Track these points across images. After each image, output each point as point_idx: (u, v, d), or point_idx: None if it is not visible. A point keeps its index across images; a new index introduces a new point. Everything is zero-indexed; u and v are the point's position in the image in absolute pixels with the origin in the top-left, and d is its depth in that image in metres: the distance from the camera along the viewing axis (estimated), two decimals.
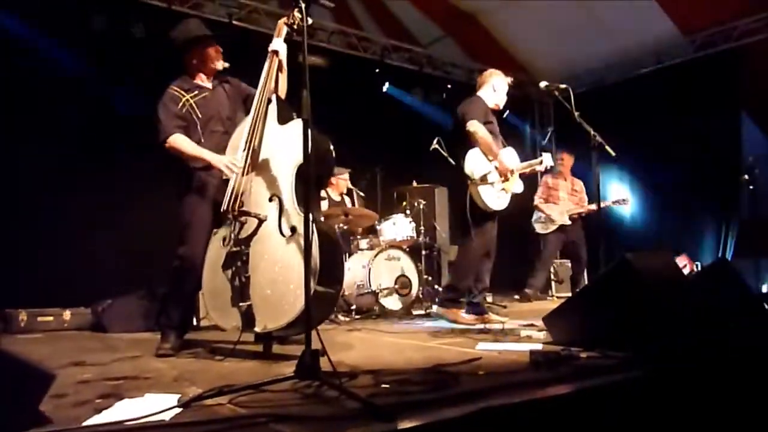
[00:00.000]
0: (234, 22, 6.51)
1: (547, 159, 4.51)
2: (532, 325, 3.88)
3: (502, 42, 8.11)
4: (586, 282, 6.78)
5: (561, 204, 6.76)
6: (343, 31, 7.40)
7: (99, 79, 5.53)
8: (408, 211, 5.84)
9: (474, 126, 4.23)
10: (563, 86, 4.26)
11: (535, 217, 6.90)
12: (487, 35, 7.93)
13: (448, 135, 4.64)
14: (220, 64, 3.32)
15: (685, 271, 6.40)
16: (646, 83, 7.94)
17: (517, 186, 4.45)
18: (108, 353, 3.26)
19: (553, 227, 6.71)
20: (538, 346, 2.94)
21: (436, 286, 5.96)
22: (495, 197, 4.28)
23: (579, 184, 6.94)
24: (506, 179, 4.35)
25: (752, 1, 6.83)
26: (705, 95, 7.25)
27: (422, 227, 5.78)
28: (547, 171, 4.92)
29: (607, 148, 4.01)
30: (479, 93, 4.55)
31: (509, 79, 4.64)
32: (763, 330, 3.18)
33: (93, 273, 5.03)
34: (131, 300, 4.62)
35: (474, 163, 4.26)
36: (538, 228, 6.85)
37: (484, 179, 4.22)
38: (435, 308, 4.35)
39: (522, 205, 6.87)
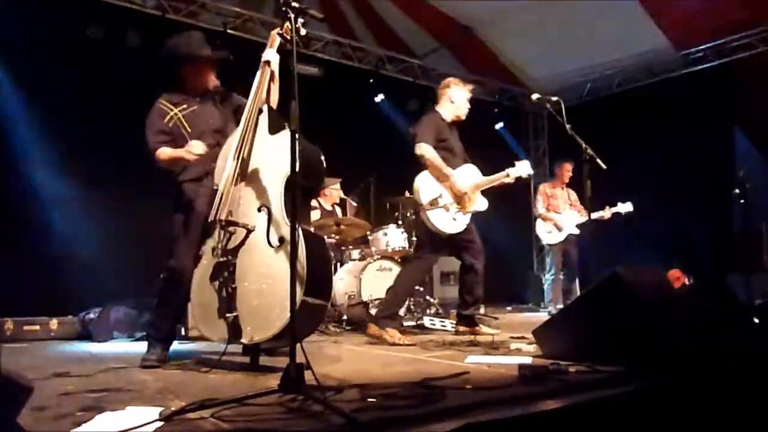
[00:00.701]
0: (229, 31, 6.51)
1: (521, 169, 4.37)
2: (522, 337, 3.86)
3: (497, 54, 8.15)
4: (578, 293, 6.76)
5: (565, 213, 6.72)
6: (338, 42, 7.42)
7: (92, 87, 5.49)
8: (400, 222, 5.82)
9: (421, 149, 4.09)
10: (555, 99, 4.24)
11: (541, 227, 6.83)
12: (482, 47, 7.96)
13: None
14: (212, 84, 3.29)
15: (678, 285, 6.40)
16: (639, 97, 7.99)
17: (478, 204, 4.30)
18: (93, 364, 3.21)
19: (561, 237, 6.66)
20: (528, 360, 2.91)
21: (427, 298, 5.93)
22: (448, 220, 4.12)
23: (574, 194, 6.91)
24: (462, 200, 4.20)
25: (745, 17, 6.89)
26: (697, 109, 7.30)
27: (414, 238, 5.74)
28: (520, 179, 4.68)
29: (598, 161, 4.01)
30: (437, 107, 4.41)
31: (469, 87, 4.49)
32: (755, 344, 3.17)
33: (81, 282, 5.00)
34: (119, 309, 4.58)
35: (422, 186, 4.12)
36: (547, 238, 6.79)
37: (434, 203, 4.07)
38: (372, 327, 4.00)
39: (516, 217, 6.90)
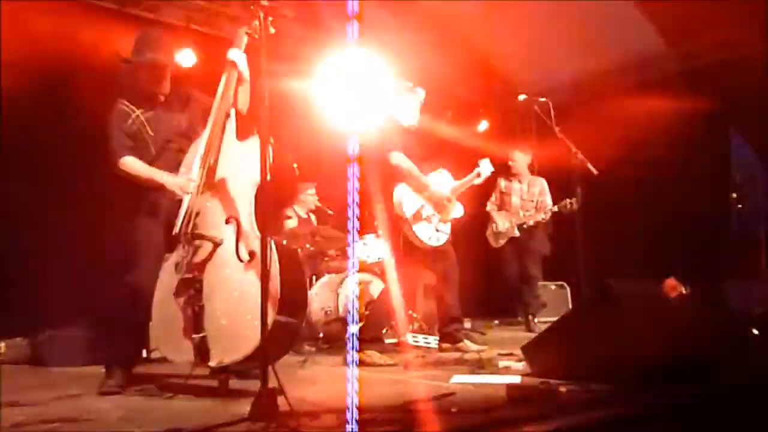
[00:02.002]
0: (193, 27, 6.47)
1: (485, 167, 4.37)
2: (511, 354, 3.89)
3: (481, 51, 8.22)
4: (535, 304, 6.49)
5: (512, 211, 6.39)
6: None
7: (42, 89, 5.40)
8: (380, 231, 5.81)
9: (395, 159, 4.08)
10: (543, 99, 4.30)
11: (488, 228, 6.52)
12: (464, 44, 8.03)
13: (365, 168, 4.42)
14: (163, 90, 3.26)
15: (674, 295, 6.49)
16: (631, 97, 8.11)
17: (456, 210, 4.35)
18: (46, 391, 3.16)
19: (503, 240, 6.37)
20: (517, 379, 2.95)
21: (410, 312, 5.93)
22: (433, 232, 4.16)
23: (539, 185, 6.48)
24: (443, 208, 4.24)
25: (741, 12, 7.04)
26: (692, 110, 7.43)
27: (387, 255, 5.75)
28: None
29: (589, 165, 4.07)
30: (389, 114, 4.36)
31: (422, 92, 4.48)
32: (754, 356, 3.24)
33: (31, 299, 4.90)
34: (74, 330, 4.51)
35: (402, 199, 4.11)
36: (491, 241, 6.48)
37: (417, 216, 4.09)
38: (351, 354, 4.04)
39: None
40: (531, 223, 6.23)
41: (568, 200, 5.64)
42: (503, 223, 6.30)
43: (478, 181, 4.46)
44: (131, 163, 3.12)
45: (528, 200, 6.41)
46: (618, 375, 2.60)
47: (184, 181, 3.00)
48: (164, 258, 3.02)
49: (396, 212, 4.10)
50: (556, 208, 5.92)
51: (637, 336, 2.73)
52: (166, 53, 3.28)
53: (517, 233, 6.23)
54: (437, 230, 4.17)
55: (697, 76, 7.62)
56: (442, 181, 4.36)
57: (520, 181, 6.48)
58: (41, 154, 5.25)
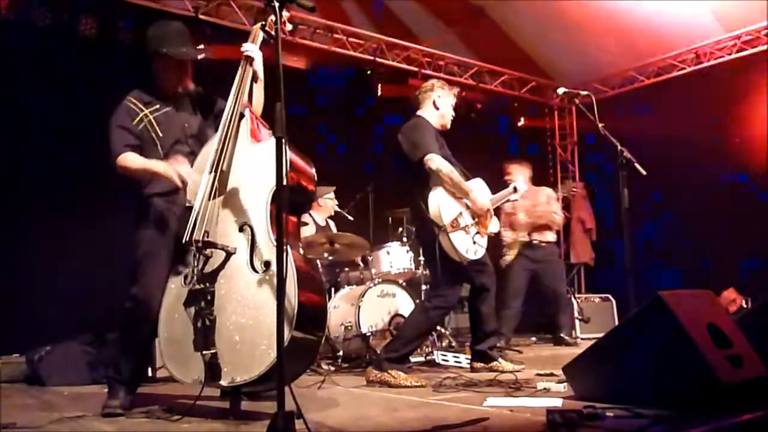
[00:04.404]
0: (201, 17, 6.56)
1: (520, 183, 4.47)
2: (551, 374, 3.88)
3: (516, 39, 8.21)
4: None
5: (521, 230, 6.51)
6: (328, 27, 7.48)
7: (39, 82, 5.52)
8: (405, 239, 5.84)
9: (435, 162, 4.04)
10: (585, 93, 4.29)
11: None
12: (497, 31, 8.03)
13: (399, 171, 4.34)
14: (182, 87, 3.32)
15: (733, 309, 6.41)
16: (682, 87, 8.04)
17: (493, 224, 4.36)
18: (44, 412, 3.24)
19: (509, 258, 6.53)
20: (557, 402, 2.94)
21: (438, 328, 5.94)
22: (470, 244, 4.14)
23: (545, 195, 6.57)
24: (482, 219, 4.24)
25: None
26: (751, 98, 7.35)
27: (421, 257, 5.77)
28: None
29: (637, 165, 4.03)
30: (420, 112, 4.39)
31: (455, 91, 4.52)
32: None
33: (29, 314, 5.00)
34: (74, 347, 4.59)
35: (440, 205, 4.07)
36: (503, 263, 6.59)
37: (455, 224, 4.06)
38: (371, 372, 3.98)
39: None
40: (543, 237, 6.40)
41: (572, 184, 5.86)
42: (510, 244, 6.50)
43: (514, 197, 4.56)
44: (129, 160, 3.14)
45: (536, 215, 6.47)
46: (671, 398, 2.58)
47: (183, 168, 3.03)
48: (173, 269, 3.05)
49: (432, 219, 4.08)
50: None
51: (692, 354, 2.70)
52: (190, 49, 3.33)
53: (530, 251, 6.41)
54: (474, 242, 4.15)
55: (756, 62, 7.52)
56: (481, 189, 4.37)
57: (523, 197, 6.47)
58: (41, 155, 5.36)
